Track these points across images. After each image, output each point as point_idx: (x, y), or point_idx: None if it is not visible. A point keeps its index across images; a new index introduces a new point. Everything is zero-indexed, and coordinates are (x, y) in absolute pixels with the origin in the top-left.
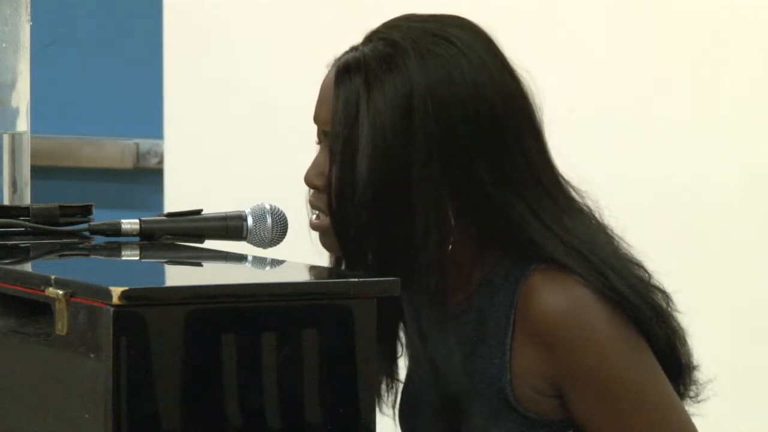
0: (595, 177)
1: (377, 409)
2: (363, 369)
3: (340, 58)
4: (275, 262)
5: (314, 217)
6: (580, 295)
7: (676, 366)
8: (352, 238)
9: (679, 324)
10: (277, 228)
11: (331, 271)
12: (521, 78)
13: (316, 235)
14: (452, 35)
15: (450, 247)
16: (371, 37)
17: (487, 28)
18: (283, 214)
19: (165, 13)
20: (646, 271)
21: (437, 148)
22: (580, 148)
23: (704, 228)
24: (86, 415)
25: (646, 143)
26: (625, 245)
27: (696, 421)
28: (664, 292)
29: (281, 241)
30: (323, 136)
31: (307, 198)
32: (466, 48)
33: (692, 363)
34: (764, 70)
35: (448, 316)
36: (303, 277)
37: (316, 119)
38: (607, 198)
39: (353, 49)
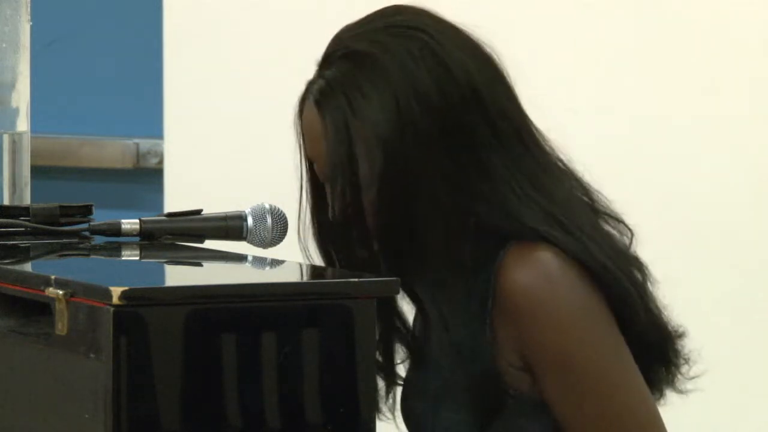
0: (595, 177)
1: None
2: (363, 369)
3: (307, 93)
4: (275, 262)
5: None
6: (549, 270)
7: (658, 338)
8: (360, 240)
9: (655, 295)
10: (277, 228)
11: (331, 271)
12: (479, 38)
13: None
14: (400, 22)
15: (452, 229)
16: (328, 60)
17: (487, 29)
18: (283, 214)
19: (165, 13)
20: (626, 226)
21: (427, 132)
22: (580, 148)
23: (705, 229)
24: (86, 415)
25: (646, 143)
26: (603, 198)
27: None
28: (638, 261)
29: (281, 241)
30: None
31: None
32: (421, 25)
33: (675, 332)
34: (764, 70)
35: (462, 295)
36: (303, 277)
37: (315, 158)
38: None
39: (316, 79)
